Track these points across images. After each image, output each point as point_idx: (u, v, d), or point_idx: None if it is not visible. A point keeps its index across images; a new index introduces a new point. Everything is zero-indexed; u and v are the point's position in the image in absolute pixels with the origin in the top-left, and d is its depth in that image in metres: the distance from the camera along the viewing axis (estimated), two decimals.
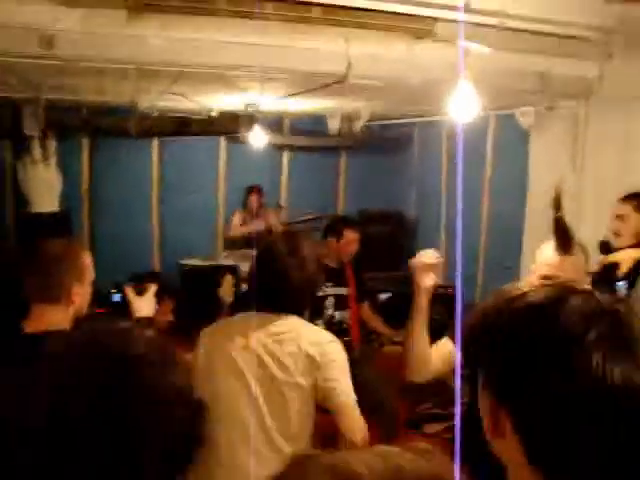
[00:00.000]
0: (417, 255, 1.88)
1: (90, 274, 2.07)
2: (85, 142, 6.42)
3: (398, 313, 4.89)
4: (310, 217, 6.53)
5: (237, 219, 6.47)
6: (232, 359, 1.97)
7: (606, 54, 3.41)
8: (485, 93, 3.27)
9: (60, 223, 5.86)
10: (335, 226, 4.05)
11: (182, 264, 6.34)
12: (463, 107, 2.50)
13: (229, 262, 5.92)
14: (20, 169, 5.82)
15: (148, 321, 2.23)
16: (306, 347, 1.94)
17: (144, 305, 2.26)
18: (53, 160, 5.90)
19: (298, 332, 1.97)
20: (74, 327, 1.95)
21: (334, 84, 3.46)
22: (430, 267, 1.84)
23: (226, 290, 3.76)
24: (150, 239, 6.78)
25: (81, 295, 2.00)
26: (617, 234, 2.93)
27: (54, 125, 5.54)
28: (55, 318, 1.92)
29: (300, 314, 2.03)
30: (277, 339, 1.96)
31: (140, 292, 2.31)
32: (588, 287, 0.81)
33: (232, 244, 6.47)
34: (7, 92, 4.41)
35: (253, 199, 6.44)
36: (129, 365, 0.98)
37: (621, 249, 2.70)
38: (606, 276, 2.27)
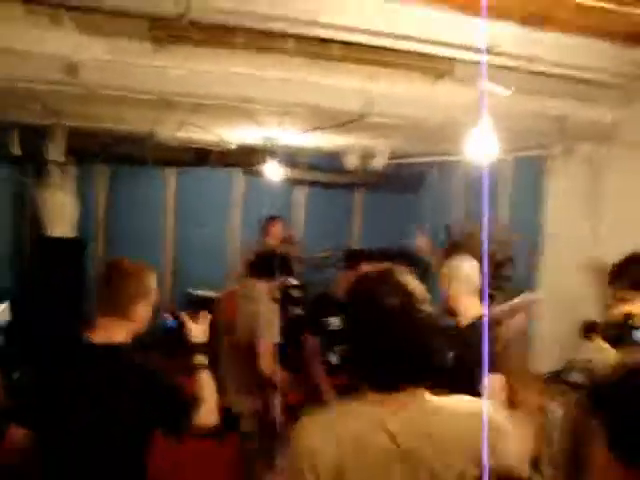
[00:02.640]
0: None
1: (155, 295, 2.23)
2: (103, 169, 6.49)
3: None
4: (326, 254, 6.48)
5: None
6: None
7: (626, 99, 3.41)
8: (503, 135, 3.27)
9: (75, 249, 5.88)
10: (353, 258, 4.05)
11: (191, 293, 6.35)
12: (483, 148, 2.48)
13: None
14: (39, 193, 5.88)
15: (204, 347, 2.35)
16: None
17: (199, 330, 2.38)
18: (71, 186, 5.95)
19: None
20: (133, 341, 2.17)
21: (353, 122, 3.48)
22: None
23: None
24: (163, 269, 6.78)
25: (145, 314, 2.19)
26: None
27: (73, 151, 5.60)
28: (118, 331, 2.11)
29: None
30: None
31: (194, 319, 2.43)
32: None
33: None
34: (30, 118, 4.48)
35: (276, 229, 5.77)
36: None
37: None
38: (623, 326, 2.22)
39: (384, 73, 3.10)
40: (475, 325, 2.80)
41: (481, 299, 2.95)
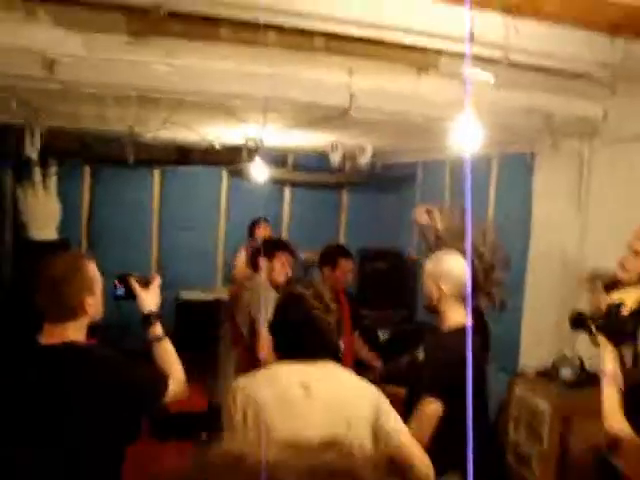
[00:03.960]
0: None
1: (99, 283, 2.08)
2: (86, 170, 6.40)
3: (397, 351, 4.81)
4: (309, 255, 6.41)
5: (242, 259, 6.21)
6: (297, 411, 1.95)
7: (610, 92, 3.38)
8: (489, 131, 3.22)
9: (59, 252, 5.78)
10: (330, 255, 4.04)
11: (179, 297, 6.26)
12: (466, 140, 2.44)
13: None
14: (20, 195, 5.79)
15: (158, 316, 2.25)
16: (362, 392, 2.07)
17: (151, 298, 2.28)
18: (53, 187, 5.87)
19: (341, 377, 2.09)
20: (88, 335, 2.04)
21: (336, 117, 3.43)
22: None
23: None
24: (148, 271, 6.69)
25: (94, 305, 2.03)
26: (624, 267, 2.79)
27: (55, 152, 5.52)
28: (70, 332, 1.96)
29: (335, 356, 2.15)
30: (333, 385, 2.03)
31: (145, 284, 2.30)
32: None
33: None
34: (8, 116, 4.39)
35: (262, 231, 6.18)
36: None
37: (623, 283, 2.62)
38: (612, 315, 2.19)
39: (367, 66, 3.05)
40: (453, 336, 2.56)
41: (465, 304, 2.64)
